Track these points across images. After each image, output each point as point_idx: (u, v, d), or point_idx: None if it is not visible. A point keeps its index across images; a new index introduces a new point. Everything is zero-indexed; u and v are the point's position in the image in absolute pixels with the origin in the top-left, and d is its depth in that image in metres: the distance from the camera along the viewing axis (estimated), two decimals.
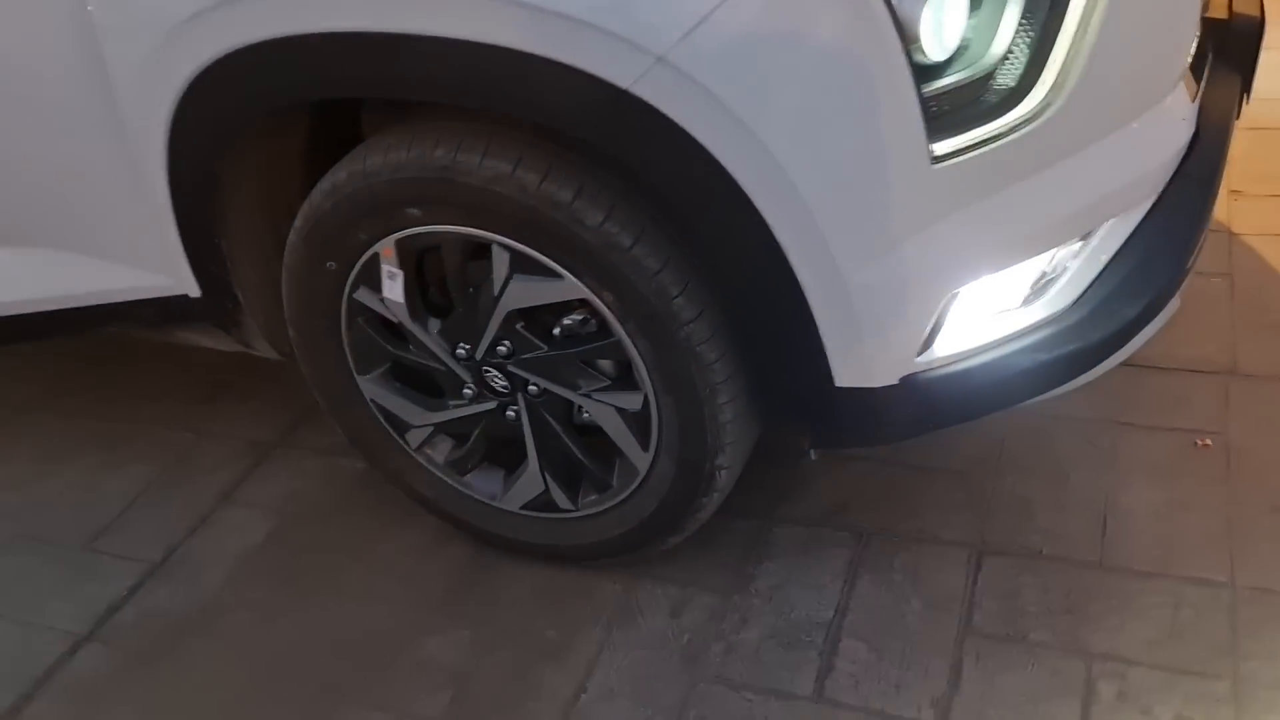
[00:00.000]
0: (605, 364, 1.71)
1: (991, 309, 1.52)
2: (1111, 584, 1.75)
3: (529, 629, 1.84)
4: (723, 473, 1.69)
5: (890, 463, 2.04)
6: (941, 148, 1.35)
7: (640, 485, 1.75)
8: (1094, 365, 1.58)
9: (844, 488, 2.01)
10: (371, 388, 1.88)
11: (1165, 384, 2.10)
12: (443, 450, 1.93)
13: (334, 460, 2.30)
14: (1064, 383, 1.59)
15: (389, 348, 1.82)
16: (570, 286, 1.58)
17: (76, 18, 1.60)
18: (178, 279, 1.89)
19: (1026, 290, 1.54)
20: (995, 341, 1.53)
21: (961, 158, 1.36)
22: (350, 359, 1.85)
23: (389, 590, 1.97)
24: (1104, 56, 1.39)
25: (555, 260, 1.56)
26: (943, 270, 1.44)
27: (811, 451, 1.73)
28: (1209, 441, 1.97)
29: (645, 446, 1.70)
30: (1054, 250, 1.50)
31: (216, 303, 1.90)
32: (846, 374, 1.50)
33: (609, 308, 1.57)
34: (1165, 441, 1.99)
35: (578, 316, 1.67)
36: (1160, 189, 1.57)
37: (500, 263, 1.60)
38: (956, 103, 1.35)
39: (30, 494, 2.33)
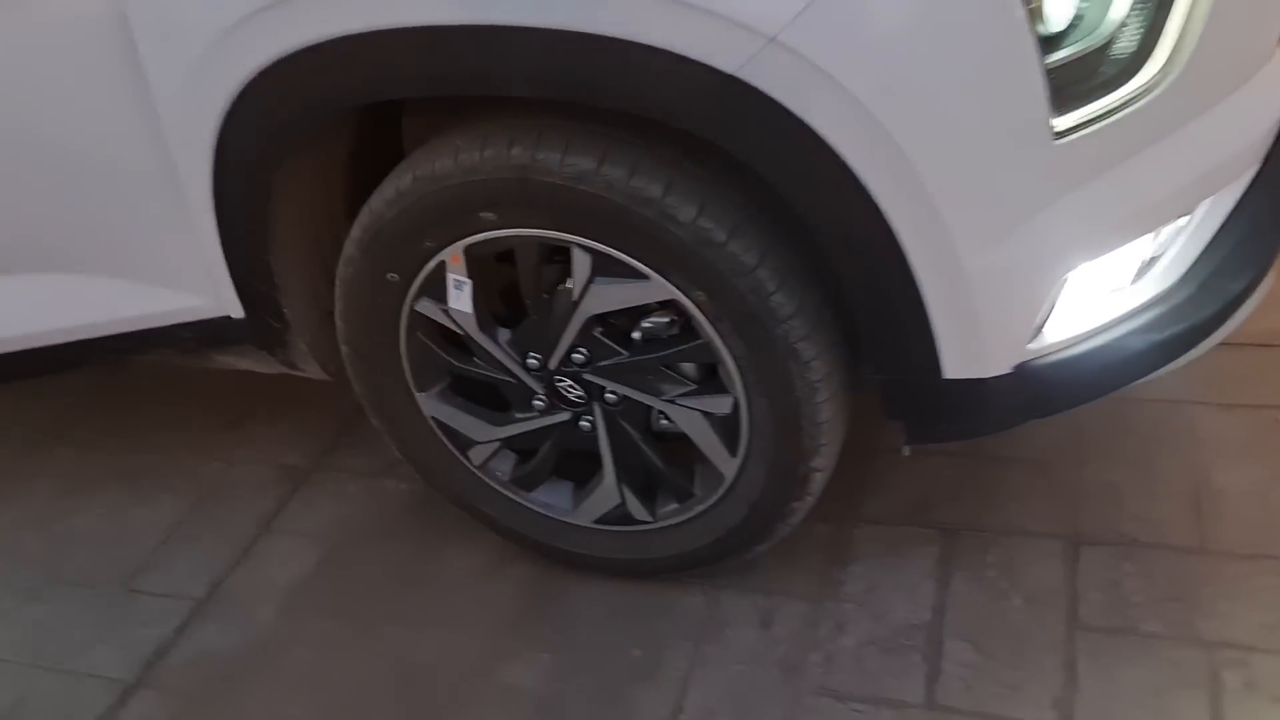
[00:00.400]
0: (688, 367, 1.64)
1: (1101, 290, 1.46)
2: (1215, 568, 1.70)
3: (612, 649, 1.76)
4: (818, 475, 1.62)
5: (965, 455, 1.98)
6: (1062, 123, 1.28)
7: (727, 493, 1.68)
8: (1200, 343, 1.53)
9: (921, 484, 1.94)
10: (431, 404, 1.79)
11: (1236, 360, 2.05)
12: (507, 466, 1.84)
13: (377, 482, 2.20)
14: (1171, 362, 1.53)
15: (452, 361, 1.73)
16: (657, 287, 1.50)
17: (112, 25, 1.50)
18: (219, 300, 1.79)
19: (1135, 269, 1.48)
20: (1107, 324, 1.47)
21: (1081, 133, 1.30)
22: (409, 375, 1.76)
23: (456, 616, 1.87)
24: (1217, 21, 1.33)
25: (641, 260, 1.48)
26: (1060, 251, 1.38)
27: (906, 448, 1.66)
28: None
29: (733, 452, 1.63)
30: (1165, 225, 1.45)
31: (261, 323, 1.80)
32: (956, 365, 1.44)
33: (699, 307, 1.49)
34: (1244, 419, 1.95)
35: (661, 319, 1.59)
36: (1262, 158, 1.52)
37: (580, 266, 1.52)
38: (1076, 75, 1.28)
39: (55, 533, 2.21)
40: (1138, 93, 1.32)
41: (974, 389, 1.47)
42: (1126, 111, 1.32)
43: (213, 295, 1.78)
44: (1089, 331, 1.47)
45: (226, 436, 2.40)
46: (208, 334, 1.85)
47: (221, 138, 1.55)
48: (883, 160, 1.28)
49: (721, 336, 1.51)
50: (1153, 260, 1.50)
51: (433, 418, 1.80)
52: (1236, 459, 1.87)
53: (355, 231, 1.63)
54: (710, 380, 1.61)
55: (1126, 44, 1.31)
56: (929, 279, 1.36)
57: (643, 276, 1.50)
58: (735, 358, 1.52)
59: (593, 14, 1.26)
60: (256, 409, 2.46)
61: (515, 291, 1.68)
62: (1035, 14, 1.23)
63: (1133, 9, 1.30)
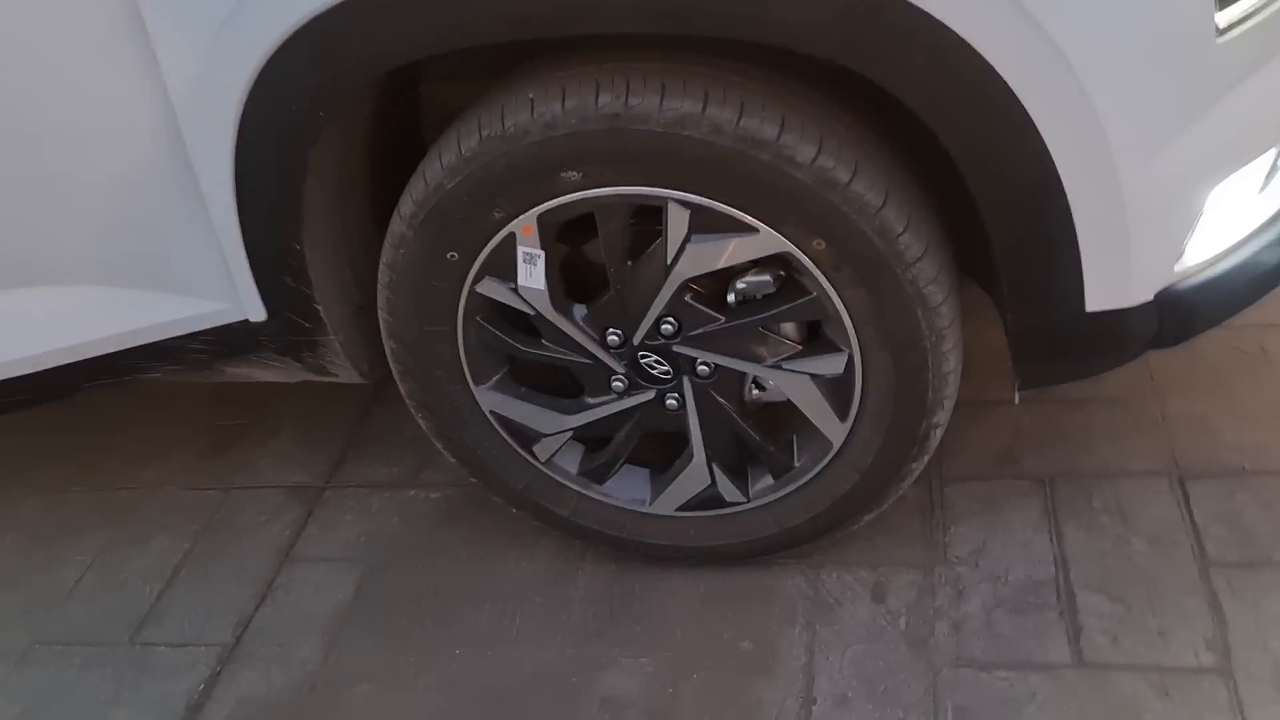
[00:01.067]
0: (788, 327, 1.50)
1: (1237, 203, 1.38)
2: None
3: (717, 643, 1.61)
4: (937, 432, 1.50)
5: (1036, 401, 1.89)
6: (1224, 18, 1.19)
7: (833, 460, 1.55)
8: None
9: (1001, 435, 1.85)
10: (491, 397, 1.61)
11: None
12: (575, 458, 1.68)
13: (401, 494, 2.00)
14: None
15: (519, 347, 1.55)
16: (766, 240, 1.36)
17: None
18: (237, 302, 1.58)
19: (1263, 178, 1.40)
20: (1243, 239, 1.39)
21: (1241, 27, 1.20)
22: (466, 367, 1.58)
23: (531, 629, 1.70)
24: None
25: (750, 211, 1.34)
26: (1213, 161, 1.29)
27: (1017, 395, 1.56)
28: None
29: (844, 415, 1.50)
30: None
31: (287, 324, 1.60)
32: (1100, 296, 1.34)
33: (812, 258, 1.35)
34: None
35: (759, 276, 1.45)
36: None
37: (677, 224, 1.37)
38: None
39: (35, 590, 1.94)
40: None
41: (1113, 321, 1.37)
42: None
43: (230, 297, 1.57)
44: (1226, 249, 1.39)
45: (217, 462, 2.16)
46: (223, 342, 1.63)
47: (246, 114, 1.36)
48: (1044, 73, 1.16)
49: (838, 288, 1.38)
50: (1273, 169, 1.42)
51: (492, 412, 1.62)
52: None
53: (406, 208, 1.44)
54: (818, 339, 1.48)
55: None
56: (1082, 202, 1.25)
57: (749, 230, 1.35)
58: (852, 310, 1.39)
59: None
60: (245, 429, 2.23)
61: (587, 263, 1.52)
62: None
63: None
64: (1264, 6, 1.20)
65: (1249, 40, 1.21)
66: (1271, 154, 1.38)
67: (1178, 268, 1.36)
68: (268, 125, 1.37)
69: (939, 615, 1.58)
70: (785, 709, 1.51)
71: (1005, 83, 1.17)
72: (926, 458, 1.53)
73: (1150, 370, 1.90)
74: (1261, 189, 1.41)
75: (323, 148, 1.42)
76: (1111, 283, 1.33)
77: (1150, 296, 1.35)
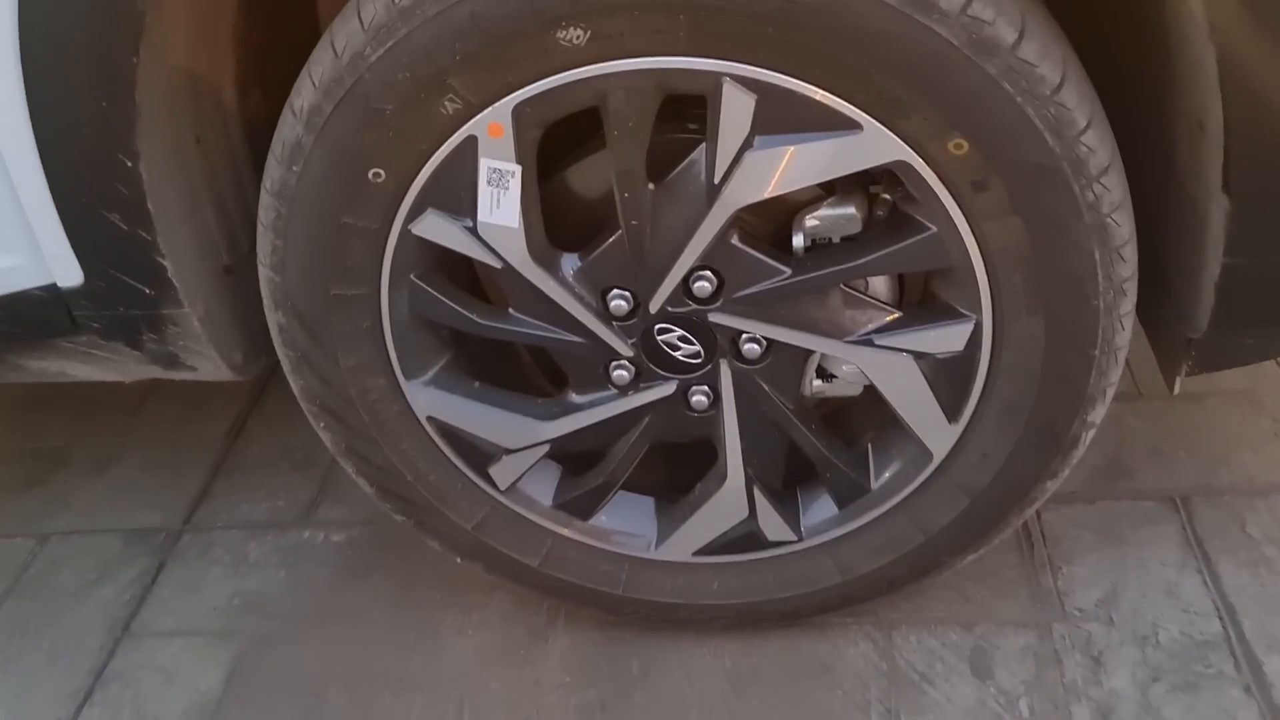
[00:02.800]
0: (879, 284, 1.02)
1: None
2: None
3: None
4: (1089, 434, 1.04)
5: (1132, 398, 1.47)
6: None
7: (932, 478, 1.08)
8: None
9: (1103, 440, 1.40)
10: (430, 397, 1.09)
11: None
12: (549, 485, 1.17)
13: (290, 536, 1.47)
14: None
15: (475, 319, 1.04)
16: (872, 143, 0.88)
17: None
18: (37, 256, 1.04)
19: None
20: None
21: None
22: (392, 354, 1.06)
23: None
24: None
25: (849, 96, 0.86)
26: None
27: (1178, 383, 1.11)
28: None
29: (955, 414, 1.03)
30: None
31: (116, 290, 1.06)
32: None
33: (943, 169, 0.88)
34: None
35: (840, 209, 0.97)
36: None
37: (735, 117, 0.88)
38: None
39: None
40: None
41: None
42: None
43: (25, 249, 1.03)
44: None
45: (28, 499, 1.59)
46: (16, 319, 1.08)
47: None
48: None
49: (976, 219, 0.91)
50: None
51: (431, 419, 1.10)
52: None
53: (303, 96, 0.92)
54: (927, 301, 1.01)
55: None
56: None
57: (847, 125, 0.87)
58: (993, 253, 0.92)
59: None
60: (68, 452, 1.66)
61: (580, 191, 1.02)
62: None
63: None
64: None
65: None
66: None
67: None
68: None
69: (1074, 695, 1.12)
70: None
71: None
72: (1067, 472, 1.07)
73: None
74: None
75: (158, 36, 0.90)
76: None
77: None
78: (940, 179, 0.90)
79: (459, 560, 1.22)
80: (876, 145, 0.88)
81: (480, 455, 1.13)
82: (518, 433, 1.11)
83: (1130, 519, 1.30)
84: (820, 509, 1.14)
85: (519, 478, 1.15)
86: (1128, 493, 1.34)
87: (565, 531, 1.18)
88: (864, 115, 0.87)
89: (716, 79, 0.87)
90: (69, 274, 1.05)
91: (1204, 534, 1.27)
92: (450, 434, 1.11)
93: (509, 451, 1.12)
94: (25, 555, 1.49)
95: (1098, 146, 0.88)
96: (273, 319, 1.06)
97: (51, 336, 1.11)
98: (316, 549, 1.44)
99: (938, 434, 1.05)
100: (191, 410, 1.70)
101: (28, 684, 1.31)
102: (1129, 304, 0.96)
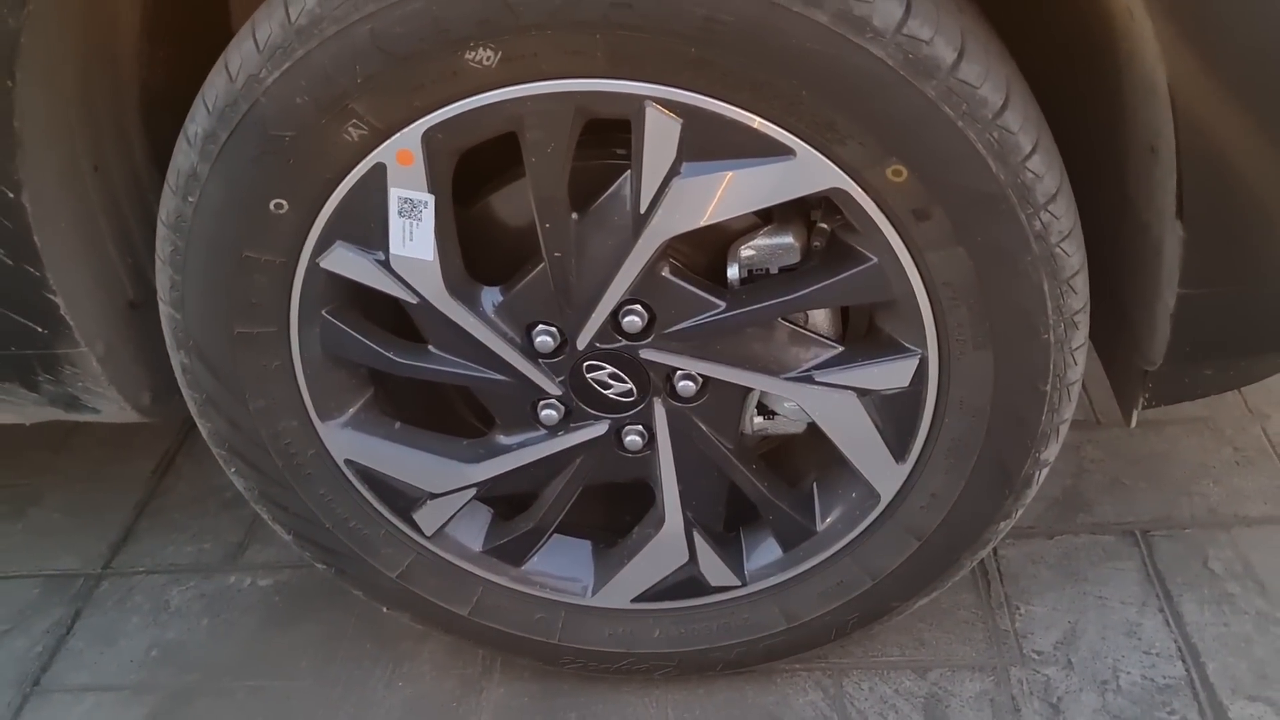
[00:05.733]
0: (820, 319, 0.97)
1: None
2: None
3: None
4: (1042, 473, 0.99)
5: (1089, 426, 1.42)
6: None
7: (879, 520, 1.02)
8: None
9: (1060, 472, 1.36)
10: (347, 439, 1.03)
11: None
12: (478, 530, 1.11)
13: (215, 581, 1.41)
14: None
15: (392, 359, 0.98)
16: (807, 169, 0.83)
17: None
18: None
19: None
20: None
21: None
22: (305, 394, 0.99)
23: None
24: None
25: (781, 119, 0.80)
26: None
27: (1136, 416, 1.06)
28: None
29: (902, 453, 0.97)
30: None
31: (9, 330, 0.98)
32: None
33: (882, 196, 0.83)
34: None
35: (777, 238, 0.92)
36: None
37: (660, 142, 0.83)
38: None
39: None
40: None
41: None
42: None
43: None
44: None
45: None
46: None
47: None
48: None
49: (919, 248, 0.86)
50: None
51: (349, 462, 1.04)
52: None
53: (199, 122, 0.86)
54: (869, 335, 0.96)
55: None
56: None
57: (780, 151, 0.82)
58: (938, 284, 0.87)
59: None
60: None
61: (501, 219, 0.96)
62: None
63: None
64: None
65: None
66: None
67: None
68: None
69: None
70: None
71: None
72: (1019, 513, 1.02)
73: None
74: None
75: (41, 31, 0.83)
76: None
77: None
78: (879, 207, 0.84)
79: (385, 610, 1.16)
80: (811, 172, 0.83)
81: (404, 499, 1.06)
82: (442, 476, 1.05)
83: (1089, 554, 1.25)
84: (764, 553, 1.09)
85: (445, 522, 1.08)
86: (1086, 526, 1.29)
87: (497, 578, 1.12)
88: (797, 141, 0.82)
89: (639, 102, 0.81)
90: None
91: (1165, 569, 1.22)
92: (371, 478, 1.05)
93: (434, 496, 1.06)
94: None
95: (1044, 172, 0.83)
96: (175, 359, 0.99)
97: None
98: (242, 594, 1.37)
99: (884, 474, 1.00)
100: (118, 447, 1.62)
101: None
102: (1081, 337, 0.91)
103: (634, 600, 1.12)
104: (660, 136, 0.83)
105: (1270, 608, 1.17)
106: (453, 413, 1.15)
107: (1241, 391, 1.44)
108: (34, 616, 1.38)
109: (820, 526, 1.05)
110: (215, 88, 0.85)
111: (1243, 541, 1.24)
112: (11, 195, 0.89)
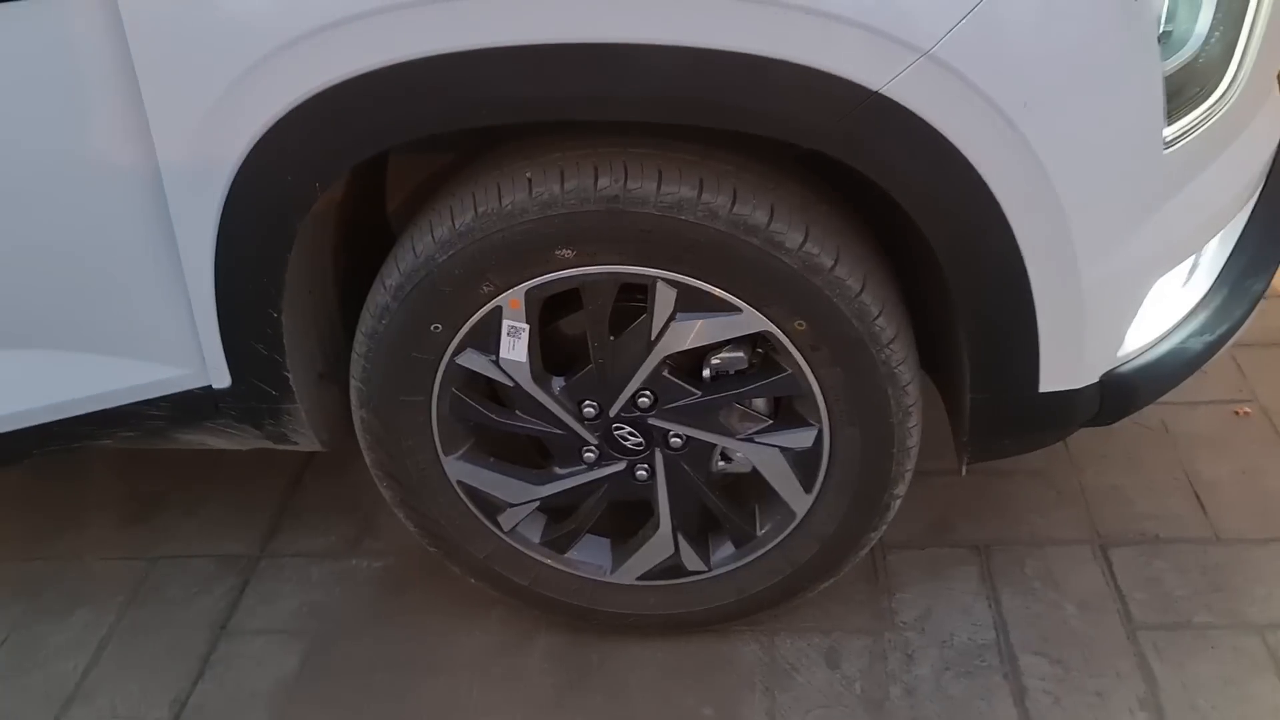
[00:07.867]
0: (759, 401, 1.56)
1: (1168, 296, 1.52)
2: (1238, 556, 1.79)
3: (679, 712, 1.64)
4: (896, 503, 1.58)
5: (967, 473, 2.00)
6: (1169, 132, 1.32)
7: (795, 529, 1.61)
8: (1230, 340, 1.61)
9: (935, 504, 1.94)
10: (460, 467, 1.62)
11: None
12: (538, 528, 1.69)
13: (342, 564, 1.97)
14: (1207, 360, 1.60)
15: (494, 418, 1.57)
16: (748, 320, 1.42)
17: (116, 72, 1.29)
18: (200, 368, 1.55)
19: (1186, 274, 1.55)
20: (1171, 328, 1.53)
21: (1182, 142, 1.34)
22: (437, 438, 1.59)
23: (488, 700, 1.69)
24: (1265, 42, 1.42)
25: (736, 292, 1.40)
26: (1156, 258, 1.42)
27: (965, 468, 1.65)
28: (1248, 410, 2.08)
29: (809, 487, 1.56)
30: (1225, 228, 1.52)
31: (251, 391, 1.57)
32: (1054, 377, 1.44)
33: (792, 337, 1.42)
34: (1208, 414, 2.08)
35: (734, 354, 1.51)
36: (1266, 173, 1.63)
37: (663, 302, 1.42)
38: (1181, 83, 1.33)
39: None
40: (1219, 102, 1.38)
41: (1062, 401, 1.48)
42: (1210, 121, 1.37)
43: (194, 363, 1.54)
44: (1159, 337, 1.52)
45: (139, 531, 2.08)
46: (182, 408, 1.59)
47: (237, 184, 1.35)
48: (1018, 173, 1.26)
49: (814, 366, 1.45)
50: (1194, 266, 1.57)
51: (460, 482, 1.63)
52: (1215, 452, 1.99)
53: (391, 280, 1.45)
54: (788, 414, 1.55)
55: (1210, 55, 1.37)
56: (1044, 291, 1.35)
57: (733, 309, 1.41)
58: (826, 387, 1.46)
59: (738, 32, 1.18)
60: (166, 497, 2.16)
61: (565, 336, 1.55)
62: (1157, 23, 1.26)
63: (1213, 21, 1.36)
64: (1192, 129, 1.34)
65: (1186, 153, 1.35)
66: (1200, 251, 1.53)
67: (1120, 353, 1.48)
68: (259, 196, 1.36)
69: (892, 679, 1.65)
70: None
71: (984, 181, 1.26)
72: (885, 527, 1.61)
73: (1066, 443, 2.04)
74: (1185, 283, 1.55)
75: (310, 224, 1.43)
76: (1065, 366, 1.44)
77: (1096, 379, 1.47)
78: (791, 342, 1.43)
79: (472, 581, 1.74)
80: (751, 321, 1.42)
81: (492, 507, 1.65)
82: (519, 492, 1.63)
83: (947, 561, 1.84)
84: (723, 549, 1.67)
85: (518, 523, 1.67)
86: (948, 542, 1.87)
87: (548, 561, 1.70)
88: (742, 303, 1.40)
89: (654, 279, 1.41)
90: (221, 379, 1.56)
91: (996, 572, 1.81)
92: (472, 492, 1.64)
93: (511, 505, 1.65)
94: (139, 574, 1.99)
95: (887, 326, 1.42)
96: (357, 414, 1.58)
97: (202, 420, 1.62)
98: (362, 572, 1.95)
99: (798, 500, 1.58)
100: (259, 466, 2.21)
101: (152, 666, 1.80)
102: (915, 420, 1.49)
103: (638, 579, 1.69)
104: (665, 298, 1.41)
105: (1060, 598, 1.75)
106: (526, 453, 1.73)
107: (1069, 450, 2.02)
108: (214, 583, 1.96)
109: (759, 532, 1.63)
110: (404, 260, 1.44)
111: (1050, 556, 1.82)
112: (275, 315, 1.47)
